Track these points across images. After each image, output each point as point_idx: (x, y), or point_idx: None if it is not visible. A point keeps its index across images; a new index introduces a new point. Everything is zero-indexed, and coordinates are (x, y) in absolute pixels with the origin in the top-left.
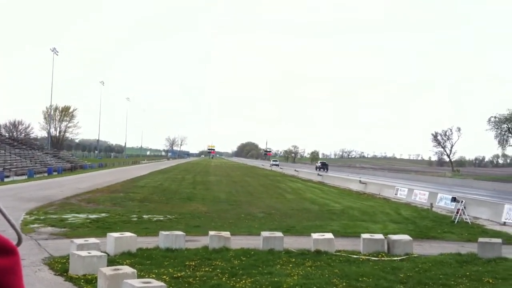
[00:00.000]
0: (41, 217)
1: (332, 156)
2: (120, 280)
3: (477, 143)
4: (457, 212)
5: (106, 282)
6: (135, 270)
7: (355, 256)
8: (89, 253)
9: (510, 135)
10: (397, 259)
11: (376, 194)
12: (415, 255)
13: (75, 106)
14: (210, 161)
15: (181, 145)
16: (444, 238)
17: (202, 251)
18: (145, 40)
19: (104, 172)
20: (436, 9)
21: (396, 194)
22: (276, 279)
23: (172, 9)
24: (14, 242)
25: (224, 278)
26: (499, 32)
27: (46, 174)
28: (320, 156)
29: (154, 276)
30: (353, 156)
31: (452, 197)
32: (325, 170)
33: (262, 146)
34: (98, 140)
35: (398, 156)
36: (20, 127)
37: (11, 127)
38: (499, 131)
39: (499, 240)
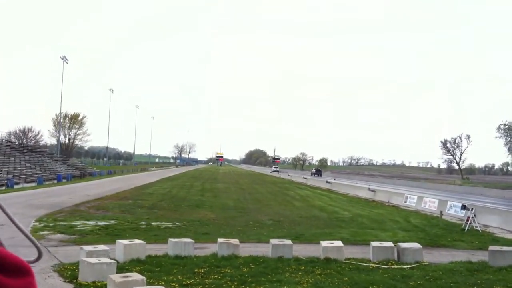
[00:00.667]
0: (51, 224)
1: (341, 164)
2: (130, 287)
3: (487, 150)
4: (467, 220)
5: None
6: (144, 278)
7: (364, 264)
8: (98, 260)
9: None
10: (407, 267)
11: (385, 201)
12: (425, 263)
13: (84, 113)
14: (219, 168)
15: (189, 152)
16: (455, 246)
17: (211, 258)
18: (145, 40)
19: (113, 179)
20: (436, 9)
21: (405, 202)
22: (285, 287)
23: (172, 9)
24: (33, 257)
25: (233, 286)
26: (499, 32)
27: (55, 181)
28: (329, 164)
29: (163, 283)
30: (361, 163)
31: (462, 205)
32: (319, 175)
33: (270, 153)
34: (107, 148)
35: (407, 164)
36: (29, 134)
37: (21, 135)
38: (508, 139)
39: (510, 248)
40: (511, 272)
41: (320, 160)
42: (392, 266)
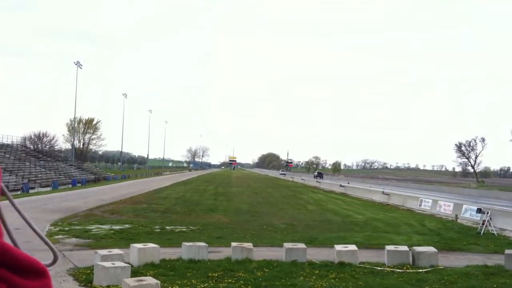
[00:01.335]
0: (66, 228)
1: (354, 167)
2: None
3: (503, 153)
4: (483, 224)
5: None
6: (158, 281)
7: (379, 268)
8: (113, 264)
9: None
10: (422, 271)
11: (399, 205)
12: (440, 267)
13: (98, 118)
14: (232, 172)
15: (202, 156)
16: (470, 250)
17: (225, 262)
18: (145, 40)
19: (127, 183)
20: (436, 9)
21: (420, 206)
22: None
23: (172, 9)
24: (49, 261)
25: None
26: (499, 32)
27: (70, 186)
28: (342, 167)
29: (177, 287)
30: (375, 167)
31: (478, 208)
32: (321, 178)
33: (283, 157)
34: (121, 152)
35: (421, 167)
36: (44, 139)
37: (36, 139)
38: None
39: None
40: None
41: (334, 164)
42: (407, 270)
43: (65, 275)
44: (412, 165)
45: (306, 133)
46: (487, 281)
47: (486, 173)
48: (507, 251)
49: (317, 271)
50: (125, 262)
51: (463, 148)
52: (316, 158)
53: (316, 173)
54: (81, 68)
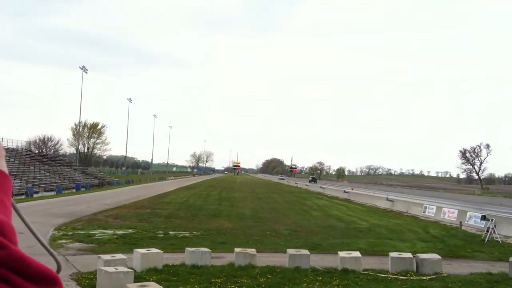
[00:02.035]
0: (69, 233)
1: (359, 173)
2: None
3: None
4: (487, 231)
5: None
6: (161, 287)
7: (383, 275)
8: (116, 269)
9: None
10: (426, 279)
11: (403, 211)
12: (444, 275)
13: (103, 122)
14: (235, 177)
15: (206, 161)
16: (474, 257)
17: (228, 268)
18: (146, 41)
19: (131, 188)
20: (436, 9)
21: (424, 212)
22: None
23: (173, 10)
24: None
25: None
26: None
27: (74, 190)
28: (346, 173)
29: None
30: (379, 173)
31: (482, 215)
32: (315, 182)
33: (287, 162)
34: (125, 157)
35: (425, 173)
36: (49, 143)
37: (41, 144)
38: None
39: None
40: None
41: (338, 170)
42: (411, 277)
43: (68, 279)
44: (417, 171)
45: (307, 133)
46: None
47: (491, 179)
48: (511, 259)
49: (320, 278)
50: (128, 267)
51: (467, 154)
52: (320, 163)
53: (311, 178)
54: (86, 72)
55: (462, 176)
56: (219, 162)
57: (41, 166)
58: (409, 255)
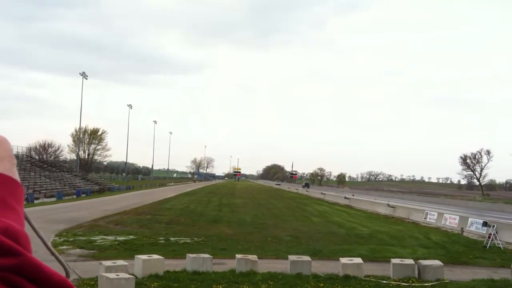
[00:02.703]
0: (70, 239)
1: (359, 179)
2: None
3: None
4: (489, 237)
5: None
6: None
7: (384, 282)
8: (117, 275)
9: None
10: (428, 285)
11: (405, 218)
12: (446, 281)
13: (103, 128)
14: (236, 183)
15: (207, 167)
16: (476, 264)
17: (229, 274)
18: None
19: (132, 194)
20: (436, 9)
21: (425, 218)
22: None
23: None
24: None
25: None
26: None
27: (75, 196)
28: (347, 179)
29: None
30: (380, 179)
31: (483, 222)
32: (308, 187)
33: (288, 168)
34: (125, 163)
35: (426, 180)
36: (49, 149)
37: (41, 150)
38: None
39: None
40: None
41: (338, 176)
42: (413, 284)
43: None
44: (417, 178)
45: (307, 139)
46: None
47: (492, 185)
48: None
49: (322, 284)
50: (129, 274)
51: (468, 160)
52: (321, 170)
53: (304, 184)
54: (86, 78)
55: (463, 182)
56: (220, 168)
57: (41, 172)
58: (411, 261)
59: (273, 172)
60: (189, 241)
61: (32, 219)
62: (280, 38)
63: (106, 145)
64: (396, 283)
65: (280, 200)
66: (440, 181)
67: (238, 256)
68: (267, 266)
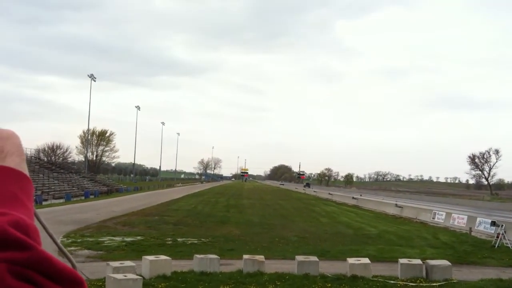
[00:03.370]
0: (78, 240)
1: (367, 180)
2: None
3: None
4: (497, 237)
5: None
6: None
7: (392, 282)
8: (125, 276)
9: None
10: (436, 285)
11: (412, 218)
12: (454, 281)
13: (111, 130)
14: (243, 184)
15: (214, 168)
16: (484, 263)
17: (237, 275)
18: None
19: (139, 195)
20: (436, 8)
21: (433, 218)
22: None
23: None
24: None
25: None
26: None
27: (83, 198)
28: (355, 180)
29: None
30: (388, 179)
31: (492, 221)
32: (309, 187)
33: (295, 169)
34: (133, 164)
35: (434, 179)
36: (58, 151)
37: (50, 151)
38: None
39: None
40: None
41: (346, 176)
42: (421, 284)
43: None
44: (425, 177)
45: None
46: None
47: (500, 185)
48: None
49: (329, 285)
50: (137, 274)
51: (476, 160)
52: (328, 170)
53: (305, 184)
54: (94, 81)
55: (471, 182)
56: (227, 169)
57: (50, 173)
58: (418, 261)
59: (281, 172)
60: (196, 242)
61: None
62: (285, 40)
63: (114, 146)
64: (404, 283)
65: (288, 201)
66: (449, 180)
67: (245, 256)
68: (274, 266)
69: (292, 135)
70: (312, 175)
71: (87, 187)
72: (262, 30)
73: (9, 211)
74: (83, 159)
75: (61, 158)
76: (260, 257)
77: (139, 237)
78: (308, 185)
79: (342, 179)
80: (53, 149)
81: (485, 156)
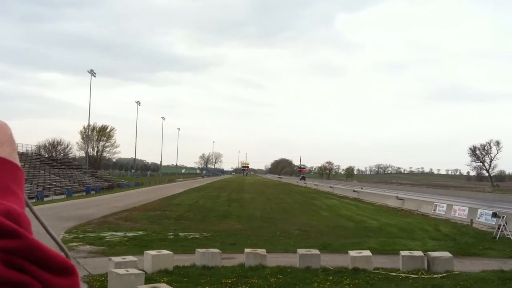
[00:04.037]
0: (80, 236)
1: (368, 172)
2: None
3: None
4: (499, 228)
5: None
6: None
7: (394, 274)
8: (127, 271)
9: None
10: (437, 277)
11: (414, 210)
12: (456, 273)
13: (112, 125)
14: (244, 178)
15: (215, 163)
16: (486, 255)
17: (239, 268)
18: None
19: (141, 190)
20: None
21: (434, 210)
22: None
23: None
24: None
25: None
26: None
27: (84, 193)
28: (356, 173)
29: None
30: (389, 172)
31: (493, 213)
32: (304, 180)
33: (296, 162)
34: (134, 159)
35: (435, 172)
36: (59, 147)
37: (50, 148)
38: None
39: None
40: None
41: (347, 169)
42: (422, 276)
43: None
44: (426, 170)
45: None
46: (504, 286)
47: (501, 177)
48: None
49: (331, 277)
50: (139, 269)
51: (477, 152)
52: (329, 163)
53: (301, 176)
54: (94, 76)
55: (472, 173)
56: (228, 164)
57: (51, 169)
58: (420, 253)
59: (281, 166)
60: (198, 236)
61: (43, 216)
62: (286, 34)
63: (114, 142)
64: (405, 275)
65: (289, 195)
66: (449, 173)
67: (247, 250)
68: (276, 260)
69: (293, 129)
70: (313, 169)
71: (88, 183)
72: (263, 25)
73: (0, 200)
74: (84, 155)
75: (62, 154)
76: (262, 251)
77: (140, 232)
78: (303, 178)
79: (343, 173)
80: (54, 145)
81: (486, 148)
